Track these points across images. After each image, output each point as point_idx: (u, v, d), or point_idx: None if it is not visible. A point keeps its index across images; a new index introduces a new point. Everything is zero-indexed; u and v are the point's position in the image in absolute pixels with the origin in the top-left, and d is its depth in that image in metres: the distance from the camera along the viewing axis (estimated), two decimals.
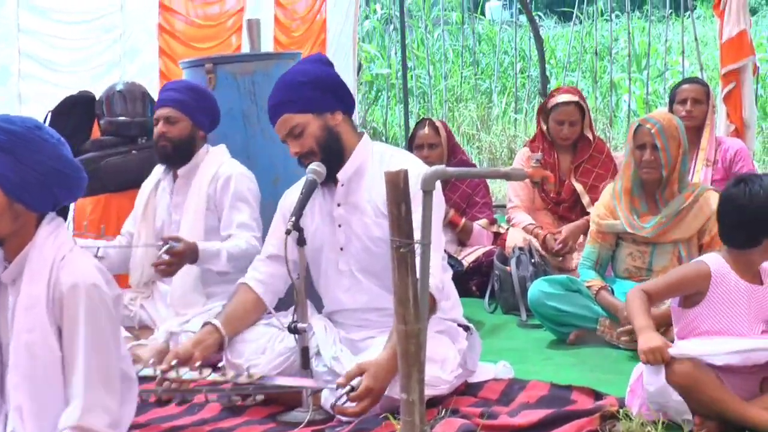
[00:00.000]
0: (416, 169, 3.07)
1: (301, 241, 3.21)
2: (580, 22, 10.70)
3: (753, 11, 13.28)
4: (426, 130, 5.20)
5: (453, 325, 3.35)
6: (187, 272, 3.87)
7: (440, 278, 3.14)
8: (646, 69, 10.48)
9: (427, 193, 2.41)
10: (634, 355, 3.77)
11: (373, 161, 3.34)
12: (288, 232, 3.11)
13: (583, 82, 11.35)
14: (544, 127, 5.23)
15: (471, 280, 4.98)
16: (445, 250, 4.77)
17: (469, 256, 5.00)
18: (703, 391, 2.77)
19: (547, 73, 11.67)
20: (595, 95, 10.26)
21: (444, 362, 3.13)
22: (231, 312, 3.33)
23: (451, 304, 3.39)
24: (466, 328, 3.43)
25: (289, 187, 3.52)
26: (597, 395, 3.24)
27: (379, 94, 11.49)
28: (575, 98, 5.19)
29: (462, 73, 11.10)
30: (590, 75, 10.70)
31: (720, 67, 6.01)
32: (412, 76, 11.23)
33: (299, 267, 3.23)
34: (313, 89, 3.24)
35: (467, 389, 3.35)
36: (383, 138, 10.23)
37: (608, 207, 4.11)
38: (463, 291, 4.89)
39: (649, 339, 2.86)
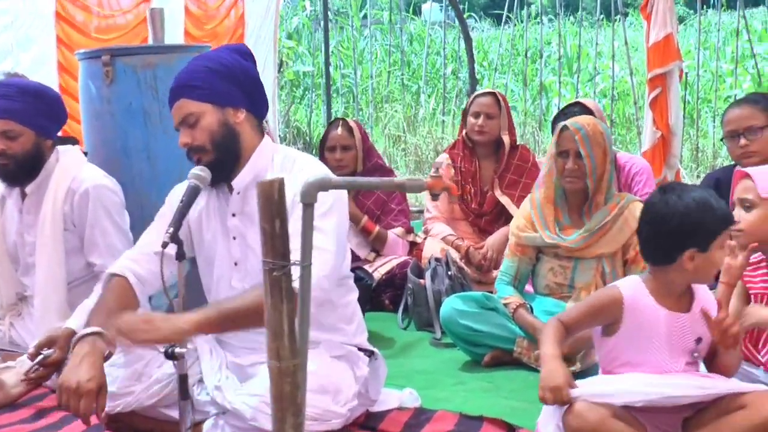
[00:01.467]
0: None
1: (180, 256, 2.84)
2: (514, 25, 10.50)
3: (681, 20, 13.26)
4: (339, 130, 4.86)
5: (354, 350, 3.02)
6: (50, 293, 3.47)
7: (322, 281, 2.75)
8: (577, 73, 10.33)
9: (308, 206, 2.07)
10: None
11: (274, 167, 2.98)
12: (164, 245, 2.74)
13: (514, 84, 11.16)
14: (464, 132, 4.94)
15: (384, 294, 4.67)
16: (357, 266, 4.53)
17: (381, 268, 4.68)
18: None
19: (479, 75, 11.47)
20: (525, 98, 10.06)
21: (337, 393, 2.80)
22: (103, 307, 2.87)
23: (354, 328, 3.06)
24: (370, 353, 3.09)
25: None
26: (509, 428, 2.95)
27: (306, 92, 11.14)
28: (493, 91, 4.93)
29: (389, 72, 10.82)
30: (521, 77, 10.49)
31: (647, 72, 5.81)
32: (340, 75, 10.90)
33: (178, 284, 2.86)
34: (220, 79, 2.88)
35: (367, 420, 3.04)
36: (307, 138, 9.89)
37: (528, 218, 3.82)
38: (376, 305, 4.62)
39: (550, 373, 2.56)
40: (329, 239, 2.76)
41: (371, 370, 3.05)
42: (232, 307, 2.63)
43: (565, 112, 4.47)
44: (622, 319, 2.68)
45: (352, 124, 4.94)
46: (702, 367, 2.84)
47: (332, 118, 6.35)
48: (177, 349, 2.79)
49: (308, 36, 12.15)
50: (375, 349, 3.12)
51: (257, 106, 3.00)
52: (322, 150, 4.91)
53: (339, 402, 2.78)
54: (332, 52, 10.70)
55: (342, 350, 2.97)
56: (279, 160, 2.99)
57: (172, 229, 2.75)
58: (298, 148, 7.78)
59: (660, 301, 2.68)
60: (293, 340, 1.99)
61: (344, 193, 3.01)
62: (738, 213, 2.93)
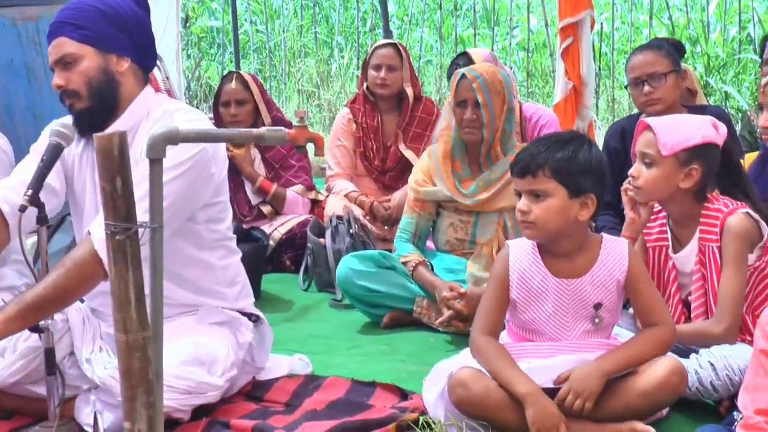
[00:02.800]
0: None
1: (41, 220, 2.60)
2: None
3: None
4: (233, 84, 4.62)
5: (236, 315, 2.82)
6: None
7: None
8: (494, 25, 10.18)
9: (155, 161, 1.86)
10: (453, 339, 3.39)
11: (149, 120, 2.74)
12: (23, 209, 2.50)
13: (431, 37, 10.97)
14: (365, 86, 4.75)
15: (285, 254, 4.48)
16: (254, 226, 4.34)
17: (281, 227, 4.49)
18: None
19: (398, 30, 11.24)
20: (442, 51, 9.89)
21: (213, 364, 2.61)
22: None
23: (236, 292, 2.86)
24: (255, 318, 2.91)
25: None
26: (402, 394, 2.80)
27: (219, 49, 10.79)
28: (393, 41, 4.75)
29: (302, 26, 10.54)
30: (438, 30, 10.32)
31: (558, 21, 5.67)
32: (255, 30, 10.58)
33: (40, 250, 2.63)
34: (108, 22, 2.64)
35: (253, 390, 2.86)
36: None
37: (427, 172, 3.66)
38: (276, 266, 4.44)
39: (542, 413, 2.37)
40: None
41: (257, 335, 2.87)
42: (33, 298, 2.45)
43: (456, 63, 4.32)
44: (509, 284, 2.55)
45: (247, 77, 4.71)
46: (620, 330, 2.74)
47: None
48: (41, 322, 2.58)
49: None
50: (260, 314, 2.93)
51: (144, 56, 2.77)
52: (216, 105, 4.67)
53: (215, 372, 2.60)
54: (245, 7, 10.39)
55: (223, 316, 2.78)
56: (158, 113, 2.75)
57: (31, 191, 2.52)
58: (209, 106, 7.50)
59: (551, 267, 2.55)
60: (142, 311, 1.80)
61: (208, 148, 2.76)
62: (638, 168, 2.79)
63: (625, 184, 2.85)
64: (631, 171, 2.80)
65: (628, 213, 2.87)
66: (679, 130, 2.79)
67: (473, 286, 3.44)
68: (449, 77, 4.47)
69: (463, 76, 3.53)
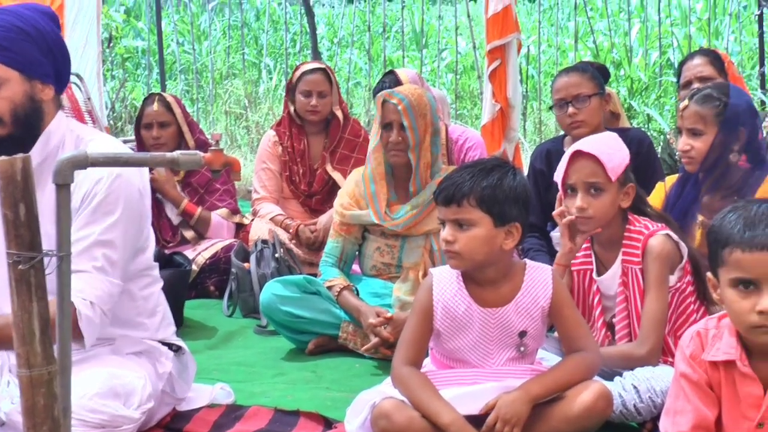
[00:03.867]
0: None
1: None
2: (364, 1, 10.27)
3: None
4: (155, 106, 4.52)
5: (156, 345, 2.73)
6: None
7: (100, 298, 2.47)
8: (424, 47, 10.22)
9: (62, 187, 1.79)
10: (379, 365, 3.34)
11: (65, 149, 2.62)
12: None
13: (360, 59, 10.97)
14: (292, 109, 4.68)
15: (209, 279, 4.38)
16: (177, 251, 4.23)
17: (205, 252, 4.39)
18: None
19: (328, 52, 11.21)
20: (371, 73, 9.89)
21: (130, 396, 2.51)
22: None
23: (157, 322, 2.76)
24: (176, 348, 2.81)
25: None
26: (326, 423, 2.75)
27: (145, 69, 10.62)
28: (321, 66, 4.69)
29: (229, 47, 10.43)
30: (367, 52, 10.31)
31: (485, 44, 5.70)
32: (182, 52, 10.44)
33: None
34: (33, 46, 2.49)
35: (173, 421, 2.77)
36: None
37: (353, 196, 3.62)
38: (200, 291, 4.35)
39: None
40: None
41: (177, 365, 2.78)
42: None
43: (383, 82, 4.30)
44: (433, 314, 2.52)
45: (169, 98, 4.61)
46: (545, 354, 2.72)
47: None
48: None
49: (148, 11, 11.59)
50: (182, 344, 2.84)
51: (62, 83, 2.66)
52: (138, 128, 4.56)
53: (131, 405, 2.50)
54: (172, 28, 10.24)
55: (141, 345, 2.68)
56: (70, 140, 2.64)
57: None
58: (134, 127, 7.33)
59: (475, 296, 2.52)
60: (47, 344, 1.71)
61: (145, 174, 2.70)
62: (585, 198, 2.76)
63: (566, 218, 2.81)
64: (578, 204, 2.76)
65: (566, 243, 2.84)
66: (616, 153, 2.81)
67: (399, 310, 3.40)
68: (374, 95, 4.46)
69: (388, 98, 3.50)
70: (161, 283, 2.84)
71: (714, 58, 4.19)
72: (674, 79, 9.19)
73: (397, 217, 3.53)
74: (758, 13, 6.91)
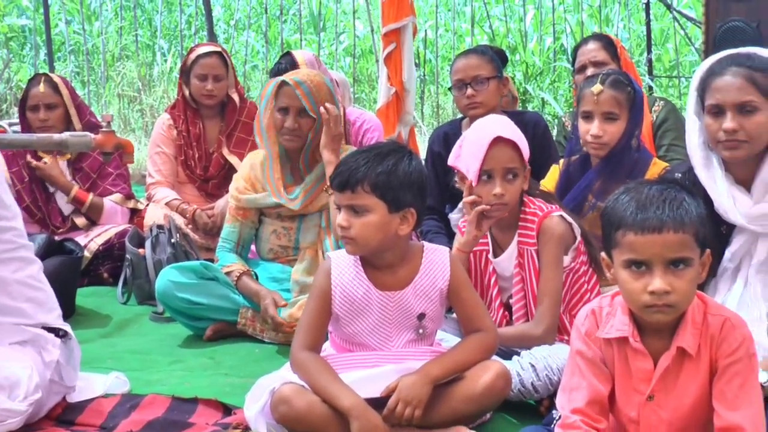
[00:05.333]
0: None
1: None
2: None
3: None
4: (41, 87, 4.34)
5: (40, 333, 2.62)
6: None
7: None
8: (322, 31, 10.15)
9: None
10: (279, 349, 3.31)
11: None
12: None
13: (257, 42, 10.84)
14: (187, 92, 4.58)
15: (102, 266, 4.27)
16: (67, 237, 4.09)
17: (98, 238, 4.27)
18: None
19: (224, 34, 11.01)
20: (268, 57, 9.78)
21: (14, 388, 2.42)
22: None
23: (38, 305, 2.64)
24: (63, 333, 2.71)
25: None
26: (226, 409, 2.70)
27: (32, 50, 10.24)
28: (217, 49, 4.61)
29: (122, 28, 10.15)
30: (264, 35, 10.18)
31: (381, 27, 5.69)
32: (72, 31, 10.10)
33: None
34: None
35: (65, 413, 2.68)
36: None
37: (249, 179, 3.56)
38: (93, 278, 4.23)
39: (366, 424, 2.33)
40: None
41: (65, 352, 2.67)
42: None
43: (279, 64, 4.24)
44: (332, 298, 2.50)
45: (56, 79, 4.44)
46: (444, 335, 2.74)
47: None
48: None
49: None
50: (67, 328, 2.73)
51: None
52: (23, 109, 4.39)
53: (17, 397, 2.41)
54: (60, 6, 9.90)
55: (25, 334, 2.58)
56: None
57: None
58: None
59: (373, 279, 2.51)
60: None
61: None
62: (503, 185, 2.77)
63: (480, 206, 2.79)
64: (497, 191, 2.76)
65: (473, 231, 2.84)
66: (522, 137, 2.84)
67: (299, 294, 3.38)
68: (271, 77, 4.38)
69: (286, 82, 3.45)
70: (39, 264, 2.70)
71: (607, 43, 4.25)
72: (567, 65, 9.40)
73: (293, 197, 3.49)
74: (645, 1, 7.10)
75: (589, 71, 4.01)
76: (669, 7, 7.95)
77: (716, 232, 2.50)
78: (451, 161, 2.91)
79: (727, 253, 2.59)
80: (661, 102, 4.20)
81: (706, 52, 4.47)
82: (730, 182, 2.57)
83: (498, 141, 2.77)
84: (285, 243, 3.57)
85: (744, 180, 2.58)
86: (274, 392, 2.42)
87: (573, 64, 4.34)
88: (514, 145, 2.79)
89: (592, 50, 4.18)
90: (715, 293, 2.56)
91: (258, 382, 2.53)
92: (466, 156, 2.82)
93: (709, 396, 2.02)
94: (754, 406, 1.98)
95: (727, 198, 2.56)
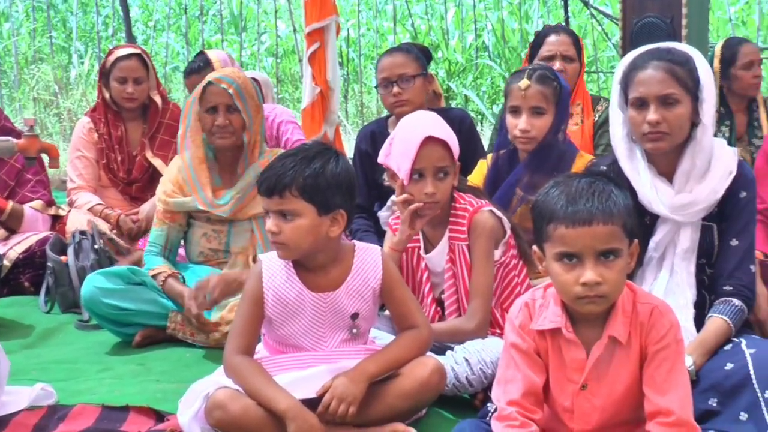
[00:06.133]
0: None
1: None
2: None
3: None
4: None
5: None
6: None
7: None
8: (243, 31, 10.08)
9: None
10: (210, 354, 3.28)
11: None
12: None
13: (177, 43, 10.70)
14: (107, 95, 4.49)
15: (23, 275, 4.15)
16: None
17: (18, 246, 4.15)
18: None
19: (142, 35, 10.83)
20: (189, 58, 9.66)
21: None
22: None
23: None
24: None
25: None
26: (158, 416, 2.66)
27: None
28: (136, 51, 4.52)
29: (34, 30, 9.90)
30: (184, 36, 10.06)
31: (304, 27, 5.67)
32: None
33: None
34: None
35: None
36: None
37: (177, 182, 3.51)
38: (14, 288, 4.13)
39: (302, 425, 2.31)
40: None
41: None
42: None
43: (193, 63, 4.19)
44: (264, 301, 2.48)
45: None
46: (378, 333, 2.73)
47: None
48: None
49: None
50: None
51: None
52: None
53: None
54: None
55: None
56: None
57: None
58: None
59: (306, 281, 2.50)
60: None
61: None
62: (434, 183, 2.78)
63: (414, 205, 2.80)
64: (428, 189, 2.77)
65: (406, 230, 2.84)
66: (452, 134, 2.85)
67: None
68: (185, 76, 4.33)
69: (214, 81, 3.42)
70: None
71: (576, 39, 4.22)
72: (489, 62, 9.52)
73: (223, 202, 3.46)
74: None
75: (557, 65, 4.04)
76: (586, 3, 8.08)
77: (640, 223, 2.56)
78: (381, 159, 2.91)
79: (652, 243, 2.64)
80: (606, 102, 4.22)
81: (624, 48, 4.55)
82: (653, 174, 2.63)
83: (429, 140, 2.78)
84: (215, 246, 3.53)
85: (666, 171, 2.63)
86: (209, 397, 2.39)
87: (531, 49, 4.29)
88: (444, 144, 2.80)
89: (565, 43, 4.15)
90: (642, 282, 2.62)
91: (191, 387, 2.49)
92: (397, 154, 2.82)
93: (640, 382, 2.06)
94: (681, 390, 2.03)
95: (650, 189, 2.61)
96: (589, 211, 1.96)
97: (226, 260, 3.51)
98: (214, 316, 3.33)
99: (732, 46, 4.60)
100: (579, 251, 1.98)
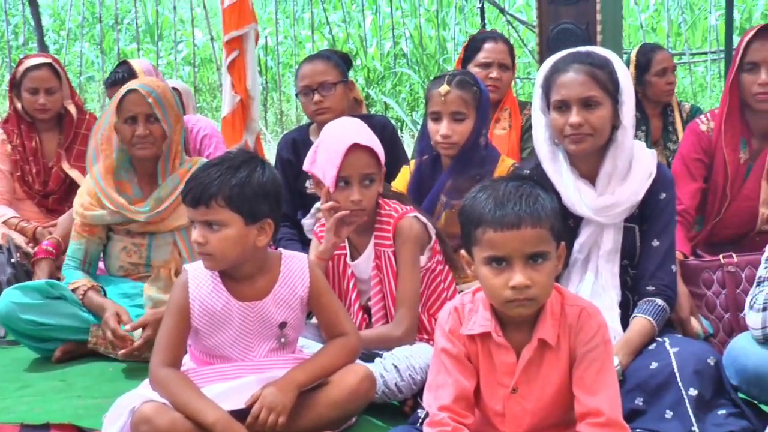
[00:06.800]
0: None
1: None
2: None
3: None
4: None
5: None
6: None
7: None
8: (159, 40, 9.92)
9: None
10: (134, 367, 3.21)
11: None
12: None
13: (91, 52, 10.49)
14: (19, 106, 4.36)
15: None
16: None
17: None
18: None
19: (54, 45, 10.57)
20: (104, 68, 9.47)
21: None
22: None
23: None
24: None
25: None
26: None
27: None
28: (48, 60, 4.41)
29: None
30: (99, 45, 9.85)
31: (223, 35, 5.61)
32: None
33: None
34: None
35: None
36: None
37: (94, 195, 3.43)
38: None
39: None
40: None
41: None
42: None
43: (115, 73, 4.11)
44: (190, 312, 2.44)
45: None
46: (305, 341, 2.71)
47: None
48: None
49: None
50: None
51: None
52: None
53: None
54: None
55: None
56: None
57: None
58: None
59: (233, 291, 2.47)
60: None
61: None
62: (361, 191, 2.78)
63: (340, 213, 2.79)
64: (355, 197, 2.77)
65: (332, 238, 2.84)
66: (377, 140, 2.84)
67: (152, 308, 3.27)
68: (108, 87, 4.24)
69: (133, 90, 3.36)
70: None
71: (511, 47, 4.27)
72: (407, 70, 9.57)
73: (141, 211, 3.39)
74: (480, 5, 7.29)
75: (494, 73, 4.07)
76: (502, 10, 8.21)
77: (564, 225, 2.59)
78: (306, 167, 2.90)
79: (576, 245, 2.69)
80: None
81: (541, 54, 4.60)
82: (575, 176, 2.67)
83: (354, 147, 2.78)
84: (136, 260, 3.46)
85: (588, 174, 2.68)
86: (134, 411, 2.33)
87: (467, 52, 4.31)
88: (370, 151, 2.81)
89: (502, 51, 4.20)
90: (568, 284, 2.66)
91: (117, 402, 2.43)
92: (323, 162, 2.81)
93: (570, 384, 2.08)
94: (610, 390, 2.06)
95: (573, 191, 2.65)
96: (518, 215, 1.98)
97: (148, 274, 3.45)
98: (136, 332, 3.25)
99: (646, 53, 4.72)
100: (508, 255, 1.99)
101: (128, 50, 10.07)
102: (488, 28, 7.50)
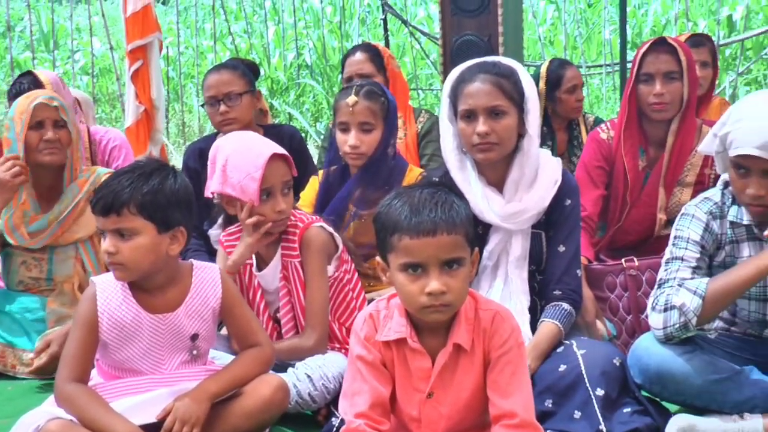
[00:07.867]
0: None
1: None
2: None
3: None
4: None
5: None
6: None
7: None
8: (55, 49, 9.65)
9: None
10: (36, 384, 3.11)
11: None
12: None
13: None
14: None
15: None
16: None
17: None
18: None
19: None
20: None
21: None
22: None
23: None
24: None
25: None
26: None
27: None
28: None
29: None
30: None
31: (125, 44, 5.51)
32: None
33: None
34: None
35: None
36: None
37: None
38: None
39: None
40: None
41: None
42: None
43: (20, 84, 3.98)
44: (99, 326, 2.38)
45: None
46: (216, 353, 2.67)
47: None
48: None
49: None
50: None
51: None
52: None
53: None
54: None
55: None
56: None
57: None
58: None
59: (143, 302, 2.42)
60: None
61: None
62: (284, 200, 2.79)
63: (265, 226, 2.78)
64: (281, 207, 2.77)
65: (249, 251, 2.83)
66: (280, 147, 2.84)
67: (55, 324, 3.18)
68: (10, 98, 4.11)
69: (43, 102, 3.27)
70: None
71: (375, 54, 4.25)
72: (311, 81, 9.56)
73: (37, 228, 3.28)
74: (382, 17, 7.34)
75: (356, 82, 4.06)
76: (405, 22, 8.28)
77: (474, 232, 2.63)
78: (215, 188, 2.82)
79: (486, 252, 2.73)
80: (426, 114, 4.32)
81: (444, 65, 4.67)
82: (483, 184, 2.71)
83: (273, 158, 2.77)
84: (36, 275, 3.36)
85: (496, 181, 2.73)
86: (39, 430, 2.26)
87: (342, 73, 4.33)
88: (285, 159, 2.80)
89: (359, 62, 4.18)
90: (478, 290, 2.68)
91: (20, 420, 2.35)
92: (238, 179, 2.76)
93: (484, 387, 2.11)
94: (524, 392, 2.09)
95: (481, 199, 2.69)
96: (434, 222, 2.00)
97: (50, 288, 3.35)
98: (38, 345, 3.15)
99: (556, 70, 4.77)
100: (424, 261, 2.01)
101: (22, 59, 9.78)
102: (391, 39, 7.56)
